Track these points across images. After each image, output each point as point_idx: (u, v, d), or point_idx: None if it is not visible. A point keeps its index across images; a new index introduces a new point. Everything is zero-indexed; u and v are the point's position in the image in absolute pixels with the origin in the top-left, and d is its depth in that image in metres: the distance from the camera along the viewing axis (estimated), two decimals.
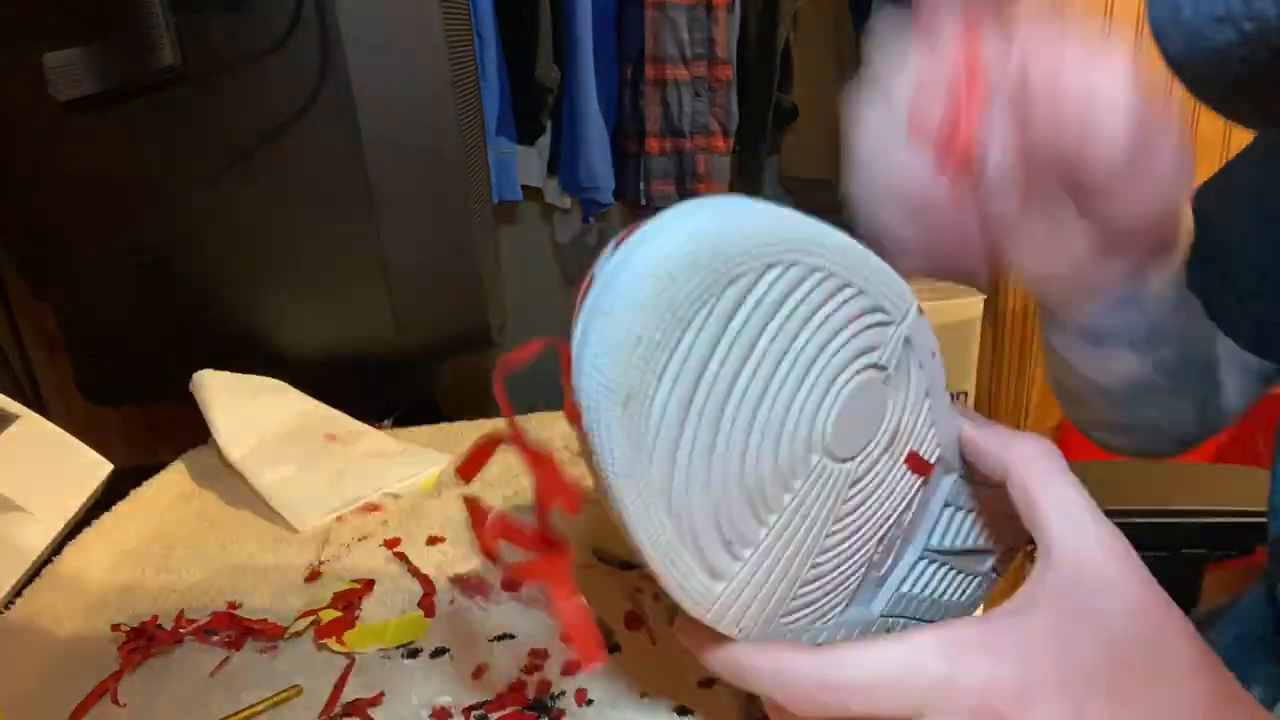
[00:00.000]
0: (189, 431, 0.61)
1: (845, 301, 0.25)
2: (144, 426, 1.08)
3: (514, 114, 1.46)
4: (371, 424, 0.63)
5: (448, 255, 0.73)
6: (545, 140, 1.54)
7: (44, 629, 0.42)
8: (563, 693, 0.36)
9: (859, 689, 0.24)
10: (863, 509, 0.28)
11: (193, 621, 0.41)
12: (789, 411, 0.25)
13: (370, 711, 0.35)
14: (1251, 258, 0.41)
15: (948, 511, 0.30)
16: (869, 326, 0.25)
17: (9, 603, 0.44)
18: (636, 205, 1.55)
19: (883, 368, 0.26)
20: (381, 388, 0.81)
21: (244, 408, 0.59)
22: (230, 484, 0.56)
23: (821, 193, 1.85)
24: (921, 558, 0.31)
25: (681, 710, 0.34)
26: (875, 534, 0.29)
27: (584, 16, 1.40)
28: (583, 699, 0.35)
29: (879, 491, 0.28)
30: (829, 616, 0.29)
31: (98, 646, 0.40)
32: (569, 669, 0.37)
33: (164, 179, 0.67)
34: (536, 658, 0.38)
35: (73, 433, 0.55)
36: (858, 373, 0.25)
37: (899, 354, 0.26)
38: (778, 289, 0.23)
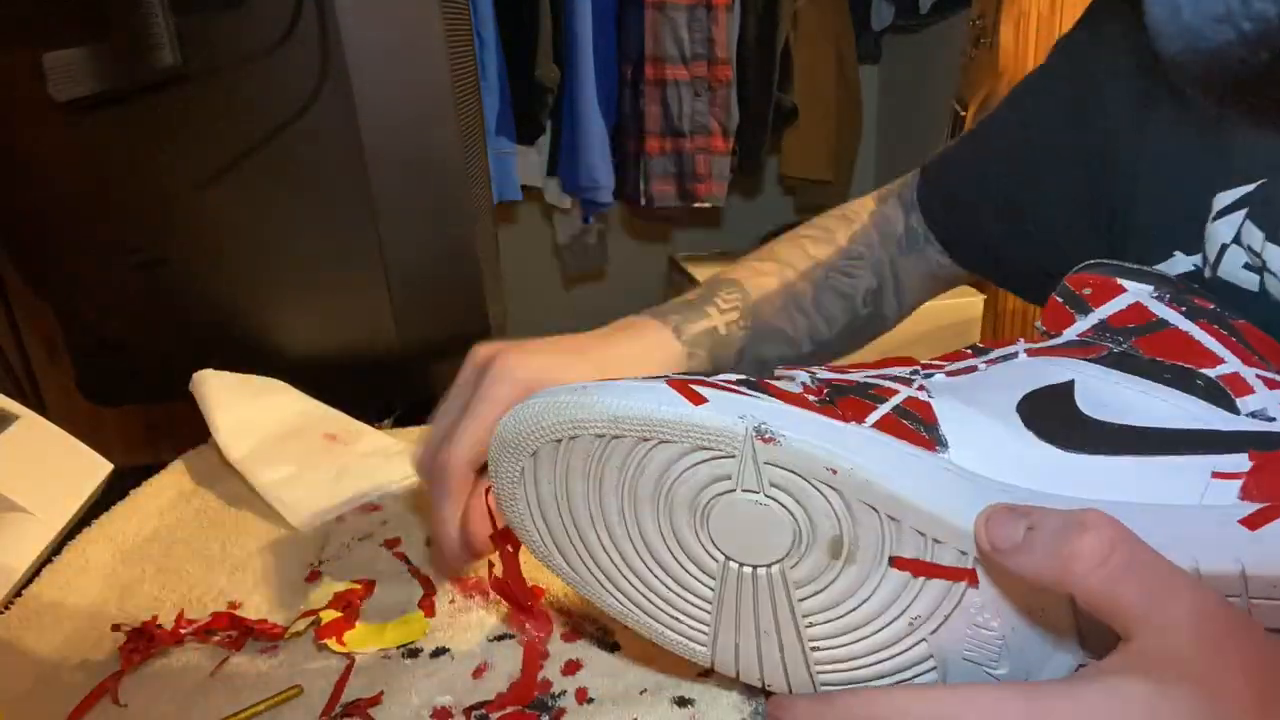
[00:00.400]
0: (189, 431, 0.61)
1: (655, 447, 0.28)
2: (144, 426, 1.08)
3: (514, 114, 1.46)
4: (371, 424, 0.63)
5: (448, 255, 0.73)
6: (545, 140, 1.54)
7: (44, 629, 0.42)
8: (563, 692, 0.36)
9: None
10: (843, 606, 0.29)
11: (193, 621, 0.41)
12: (655, 515, 0.29)
13: (370, 711, 0.35)
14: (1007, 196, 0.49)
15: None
16: (703, 461, 0.28)
17: (9, 603, 0.44)
18: (636, 205, 1.55)
19: (751, 490, 0.28)
20: (381, 388, 0.81)
21: (244, 407, 0.59)
22: (230, 484, 0.56)
23: (821, 193, 1.85)
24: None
25: (681, 701, 0.35)
26: (888, 627, 0.28)
27: (584, 16, 1.40)
28: (583, 697, 0.35)
29: (859, 591, 0.28)
30: None
31: (98, 646, 0.40)
32: (569, 668, 0.37)
33: (164, 179, 0.67)
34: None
35: (73, 433, 0.55)
36: (718, 495, 0.28)
37: (763, 477, 0.27)
38: (579, 449, 0.29)
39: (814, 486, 0.27)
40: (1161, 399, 0.28)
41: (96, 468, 0.54)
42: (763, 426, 0.27)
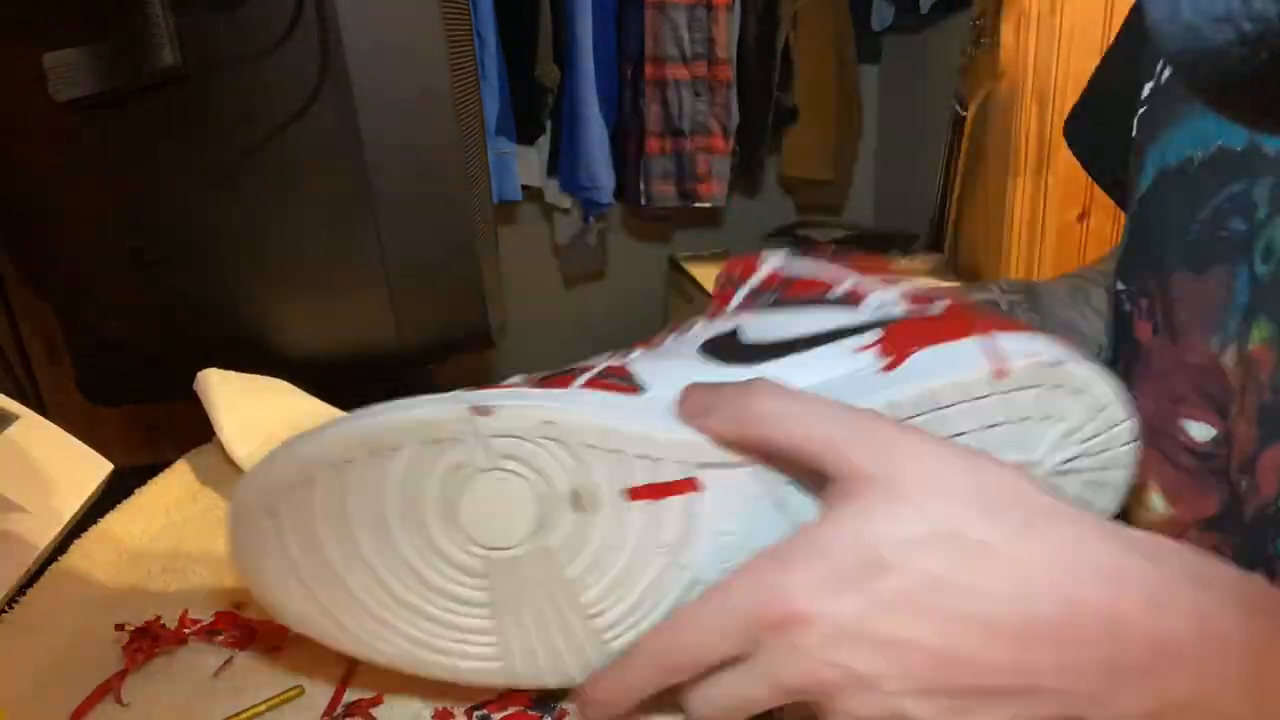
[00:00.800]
0: (189, 431, 0.61)
1: (387, 459, 0.29)
2: (144, 426, 1.08)
3: (514, 114, 1.46)
4: None
5: (448, 255, 0.73)
6: (545, 140, 1.54)
7: (46, 629, 0.42)
8: (565, 692, 0.36)
9: (688, 646, 0.29)
10: (605, 560, 0.31)
11: (197, 621, 0.41)
12: (407, 533, 0.30)
13: (372, 712, 0.35)
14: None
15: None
16: (437, 455, 0.29)
17: (10, 603, 0.44)
18: (636, 205, 1.56)
19: (485, 469, 0.30)
20: (381, 388, 0.81)
21: (249, 406, 0.59)
22: (236, 483, 0.56)
23: (821, 193, 1.85)
24: None
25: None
26: (649, 565, 0.31)
27: (584, 16, 1.40)
28: None
29: (613, 538, 0.31)
30: None
31: (101, 646, 0.40)
32: None
33: (164, 179, 0.67)
34: None
35: (73, 433, 0.54)
36: (459, 485, 0.30)
37: (492, 450, 0.29)
38: (318, 490, 0.30)
39: (538, 445, 0.29)
40: (803, 317, 0.34)
41: (96, 468, 0.54)
42: (478, 402, 0.29)
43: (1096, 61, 0.52)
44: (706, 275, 1.57)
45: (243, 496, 0.30)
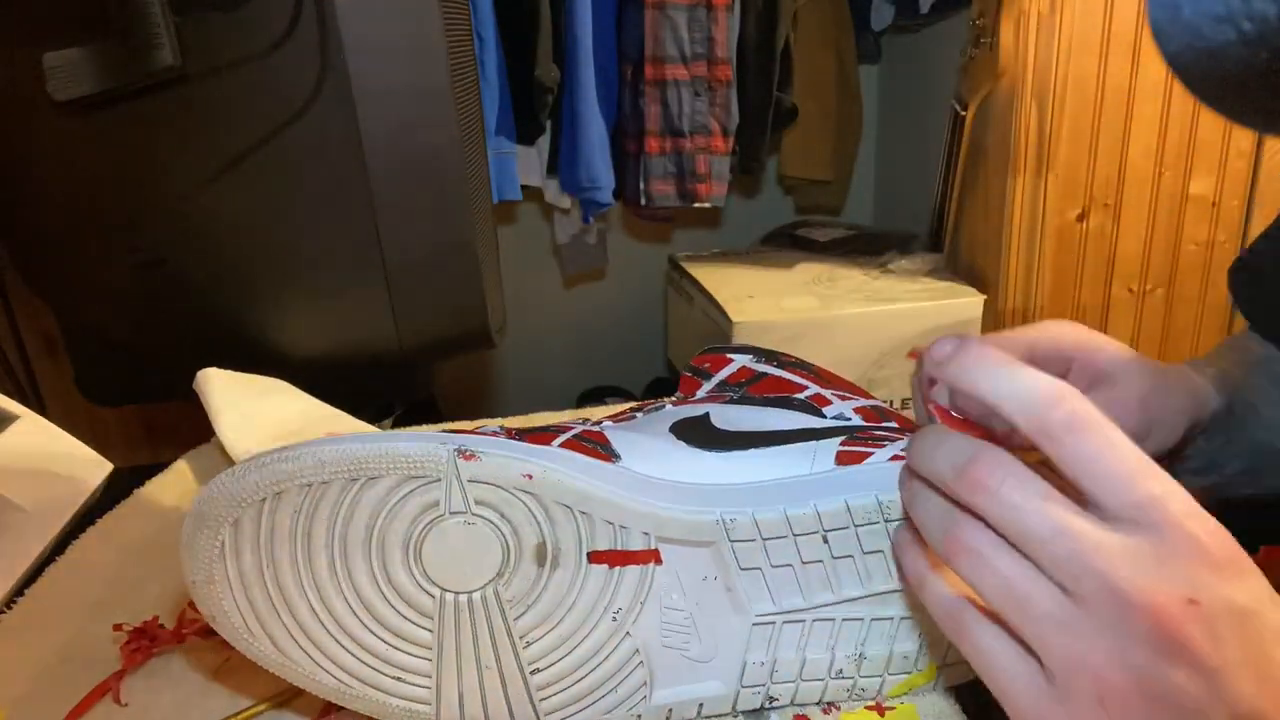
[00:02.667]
0: (189, 431, 0.61)
1: (364, 486, 0.29)
2: (144, 426, 1.08)
3: (514, 114, 1.46)
4: (372, 424, 0.63)
5: (448, 255, 0.73)
6: (545, 140, 1.54)
7: (46, 628, 0.42)
8: None
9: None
10: (554, 616, 0.32)
11: (195, 621, 0.41)
12: (371, 568, 0.30)
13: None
14: None
15: (755, 574, 0.32)
16: (412, 491, 0.30)
17: (10, 603, 0.44)
18: (636, 205, 1.55)
19: (459, 511, 0.30)
20: (381, 388, 0.81)
21: (248, 406, 0.59)
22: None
23: (820, 193, 1.85)
24: (761, 624, 0.33)
25: None
26: (596, 628, 0.32)
27: (584, 16, 1.40)
28: None
29: (567, 596, 0.31)
30: (631, 701, 0.33)
31: (100, 646, 0.40)
32: None
33: (164, 179, 0.67)
34: None
35: (73, 433, 0.55)
36: (428, 525, 0.30)
37: (469, 496, 0.30)
38: (285, 507, 0.29)
39: (514, 495, 0.30)
40: (771, 415, 0.36)
41: (96, 468, 0.54)
42: (464, 446, 0.29)
43: (1096, 61, 0.51)
44: (706, 275, 1.57)
45: (207, 502, 0.29)
